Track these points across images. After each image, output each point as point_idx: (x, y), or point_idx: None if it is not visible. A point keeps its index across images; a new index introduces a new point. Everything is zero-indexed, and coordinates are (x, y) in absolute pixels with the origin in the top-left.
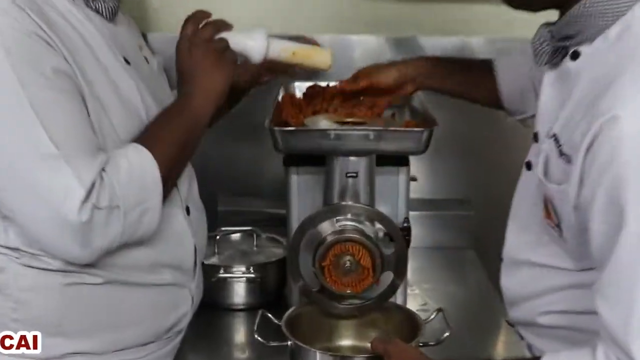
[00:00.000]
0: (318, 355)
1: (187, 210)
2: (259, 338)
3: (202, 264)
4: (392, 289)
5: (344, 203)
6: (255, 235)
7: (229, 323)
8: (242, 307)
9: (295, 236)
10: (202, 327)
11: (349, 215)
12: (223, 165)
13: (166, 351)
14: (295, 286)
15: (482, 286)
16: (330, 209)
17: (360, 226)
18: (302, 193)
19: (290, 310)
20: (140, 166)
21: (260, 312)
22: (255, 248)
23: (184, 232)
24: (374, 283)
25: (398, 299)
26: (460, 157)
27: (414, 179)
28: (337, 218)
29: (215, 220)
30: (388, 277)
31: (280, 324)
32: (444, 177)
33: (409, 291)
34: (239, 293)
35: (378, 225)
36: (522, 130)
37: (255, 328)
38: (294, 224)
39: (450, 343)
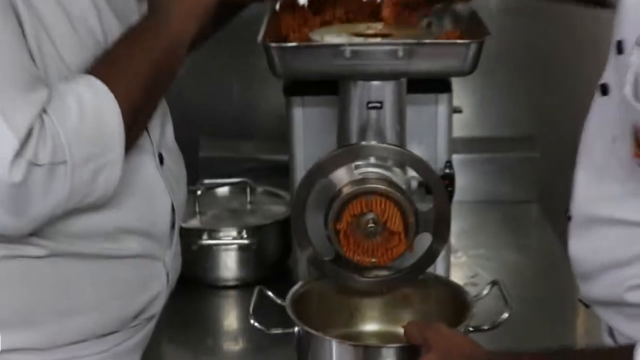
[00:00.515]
0: (334, 345)
1: (160, 158)
2: (256, 323)
3: (180, 228)
4: (430, 257)
5: (364, 143)
6: (248, 189)
7: (216, 305)
8: (232, 283)
9: (301, 189)
10: (181, 310)
11: (371, 160)
12: (205, 99)
13: (133, 343)
14: (303, 255)
15: (551, 251)
16: (346, 152)
17: (387, 174)
18: (309, 132)
19: (297, 286)
20: (95, 107)
21: (257, 289)
22: (248, 206)
23: (156, 186)
24: (407, 250)
25: (438, 269)
26: (521, 81)
27: (458, 110)
28: (357, 164)
29: (195, 171)
30: (425, 240)
31: (283, 304)
32: (498, 108)
33: (453, 259)
34: (229, 265)
35: (411, 173)
36: (607, 43)
37: (251, 311)
38: (299, 172)
39: (509, 327)
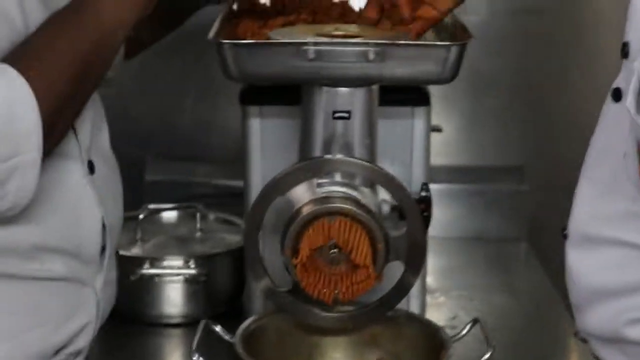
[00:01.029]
0: None
1: (90, 166)
2: None
3: (118, 254)
4: (402, 289)
5: (329, 157)
6: (198, 215)
7: (157, 345)
8: (177, 320)
9: (256, 208)
10: (114, 351)
11: (337, 177)
12: (153, 113)
13: None
14: (257, 286)
15: (541, 294)
16: (308, 166)
17: (354, 194)
18: (268, 146)
19: (249, 321)
20: (7, 99)
21: (202, 323)
22: (198, 233)
23: (83, 199)
24: (375, 281)
25: (412, 307)
26: (512, 105)
27: (437, 129)
28: (319, 181)
29: (140, 196)
30: (396, 271)
31: (232, 341)
32: (485, 134)
33: (430, 300)
34: (173, 299)
35: (382, 195)
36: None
37: (194, 346)
38: (255, 193)
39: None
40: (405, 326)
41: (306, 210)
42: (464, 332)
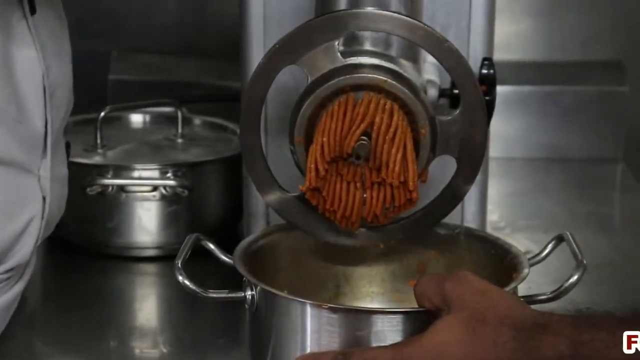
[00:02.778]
0: (308, 310)
1: (31, 4)
2: (186, 282)
3: (71, 161)
4: (454, 196)
5: (356, 10)
6: (180, 116)
7: (124, 286)
8: (152, 252)
9: (256, 80)
10: (67, 294)
11: (366, 45)
12: None
13: None
14: (260, 202)
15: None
16: (328, 22)
17: (391, 66)
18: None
19: (251, 237)
20: None
21: (192, 236)
22: (179, 140)
23: (19, 42)
24: (418, 180)
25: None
26: None
27: None
28: (343, 50)
29: (103, 100)
30: (442, 168)
31: (229, 260)
32: (572, 21)
33: (490, 229)
34: (146, 223)
35: (428, 75)
36: None
37: (180, 263)
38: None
39: (582, 293)
40: (466, 249)
41: (324, 82)
42: (547, 251)
